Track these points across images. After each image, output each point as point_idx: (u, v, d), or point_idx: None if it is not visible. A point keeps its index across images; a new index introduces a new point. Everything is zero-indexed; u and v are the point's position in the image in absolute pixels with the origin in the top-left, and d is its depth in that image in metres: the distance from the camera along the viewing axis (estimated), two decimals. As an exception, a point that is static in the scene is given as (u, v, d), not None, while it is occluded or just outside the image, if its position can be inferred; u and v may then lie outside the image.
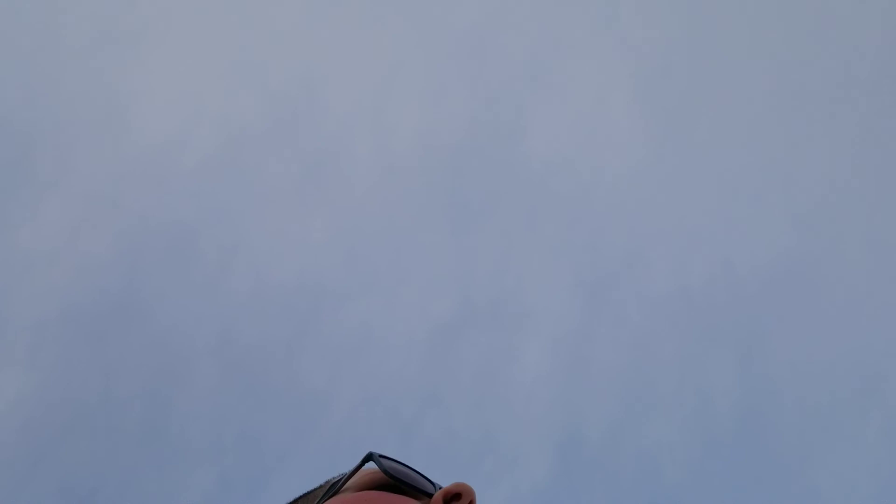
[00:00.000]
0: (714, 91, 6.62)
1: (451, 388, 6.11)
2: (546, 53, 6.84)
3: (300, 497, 0.92)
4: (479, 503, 0.80)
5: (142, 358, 6.14)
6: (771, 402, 5.92)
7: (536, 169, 6.65)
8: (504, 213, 6.63)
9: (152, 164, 6.54)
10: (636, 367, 6.09)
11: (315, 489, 0.92)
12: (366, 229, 6.59)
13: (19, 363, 5.92)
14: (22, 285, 6.14)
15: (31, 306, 6.09)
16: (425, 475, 0.88)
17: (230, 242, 6.51)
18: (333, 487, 0.85)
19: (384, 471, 0.82)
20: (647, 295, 6.27)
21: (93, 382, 6.01)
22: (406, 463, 0.89)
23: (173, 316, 6.28)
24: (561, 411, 5.99)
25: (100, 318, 6.23)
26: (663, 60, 6.71)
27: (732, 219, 6.40)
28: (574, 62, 6.79)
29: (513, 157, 6.70)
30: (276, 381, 6.17)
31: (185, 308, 6.29)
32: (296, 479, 5.70)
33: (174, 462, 5.78)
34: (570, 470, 5.76)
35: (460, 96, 6.81)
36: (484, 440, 5.90)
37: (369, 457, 0.84)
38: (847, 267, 6.12)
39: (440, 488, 0.84)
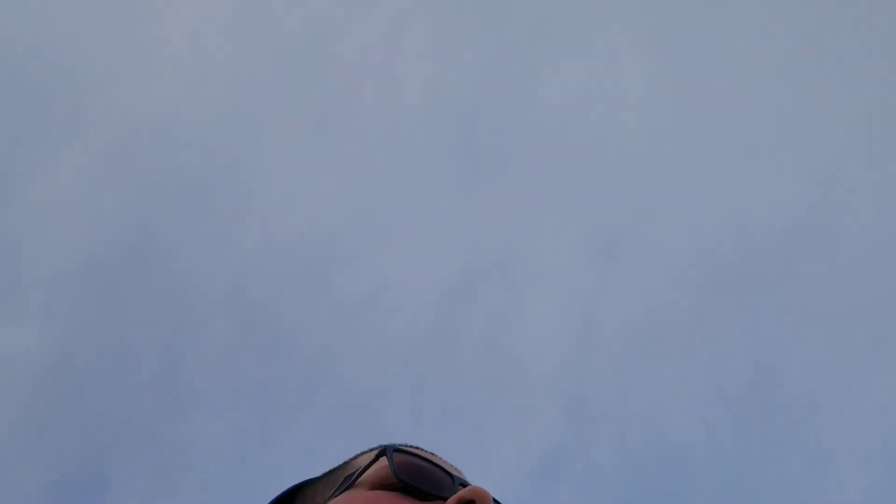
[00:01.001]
0: (732, 42, 6.49)
1: (462, 344, 6.13)
2: (558, 2, 6.70)
3: (323, 475, 0.91)
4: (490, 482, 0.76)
5: (155, 310, 6.17)
6: (782, 360, 5.93)
7: (548, 123, 6.57)
8: (515, 168, 6.57)
9: (164, 115, 6.50)
10: (647, 324, 6.09)
11: (336, 469, 0.90)
12: (376, 183, 6.55)
13: (34, 316, 5.97)
14: (36, 237, 6.16)
15: (45, 258, 6.12)
16: (447, 469, 0.84)
17: (242, 195, 6.49)
18: (348, 480, 0.84)
19: (394, 472, 0.79)
20: (659, 252, 6.24)
21: (107, 335, 6.07)
22: (426, 456, 0.85)
23: (186, 268, 6.30)
24: (570, 368, 6.02)
25: (113, 270, 6.26)
26: (681, 9, 6.57)
27: (748, 175, 6.33)
28: (587, 9, 6.66)
29: (524, 110, 6.62)
30: (288, 334, 6.21)
31: (198, 260, 6.31)
32: (309, 433, 5.76)
33: (187, 414, 5.86)
34: (579, 427, 5.81)
35: (471, 47, 6.70)
36: (494, 397, 5.94)
37: (383, 451, 0.82)
38: (863, 224, 6.06)
39: (460, 485, 0.81)
